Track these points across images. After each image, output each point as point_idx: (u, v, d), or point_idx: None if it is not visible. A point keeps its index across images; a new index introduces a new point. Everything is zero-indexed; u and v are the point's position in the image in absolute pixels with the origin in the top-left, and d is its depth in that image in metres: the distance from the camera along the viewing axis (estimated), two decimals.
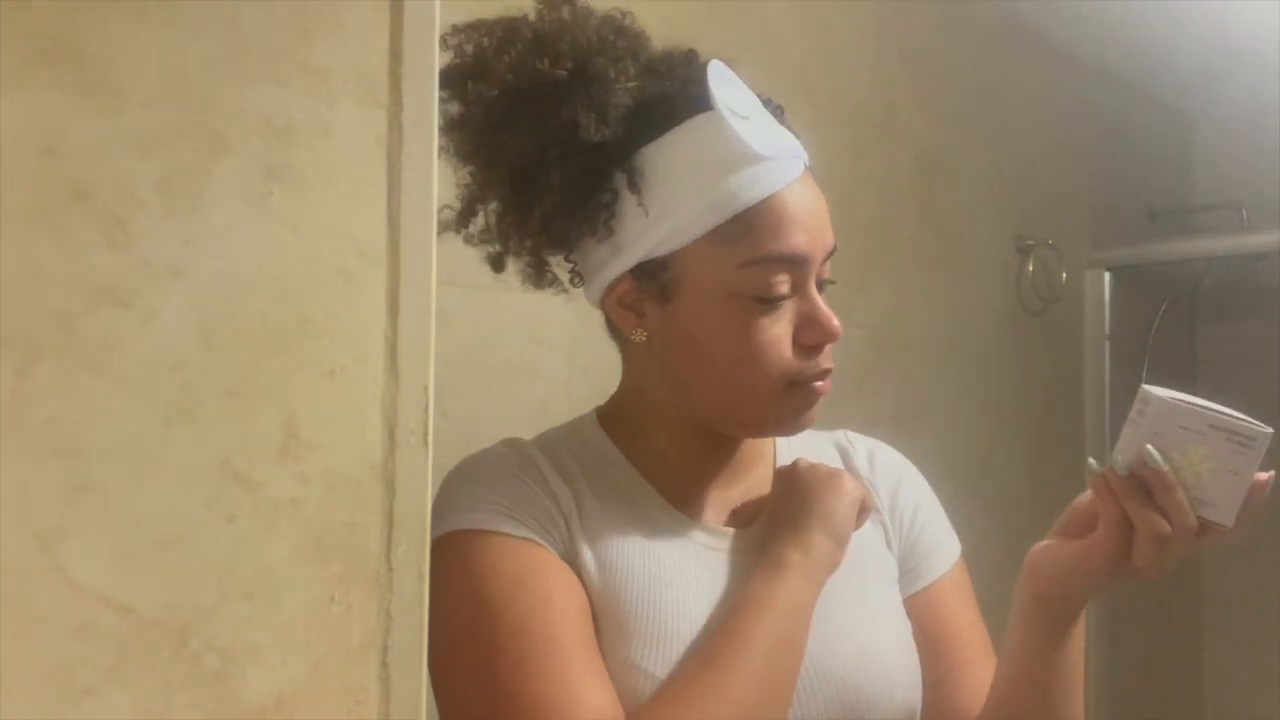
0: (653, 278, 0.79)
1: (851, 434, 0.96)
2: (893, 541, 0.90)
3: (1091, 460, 0.75)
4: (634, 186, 0.77)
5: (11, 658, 0.46)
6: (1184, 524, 0.71)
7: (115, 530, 0.49)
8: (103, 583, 0.48)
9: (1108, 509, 0.73)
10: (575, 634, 0.74)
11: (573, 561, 0.78)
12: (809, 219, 0.78)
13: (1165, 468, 0.71)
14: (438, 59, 0.61)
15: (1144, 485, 0.72)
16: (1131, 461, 0.72)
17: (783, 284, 0.77)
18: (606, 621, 0.77)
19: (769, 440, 0.92)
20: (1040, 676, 0.80)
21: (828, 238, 0.80)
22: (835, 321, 0.79)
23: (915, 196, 2.02)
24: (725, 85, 0.77)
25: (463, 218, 0.84)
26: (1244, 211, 2.63)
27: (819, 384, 0.80)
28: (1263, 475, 0.71)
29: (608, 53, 0.78)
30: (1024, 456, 2.24)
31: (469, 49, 0.79)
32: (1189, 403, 0.72)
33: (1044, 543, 0.80)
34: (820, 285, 0.81)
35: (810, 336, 0.79)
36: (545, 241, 0.82)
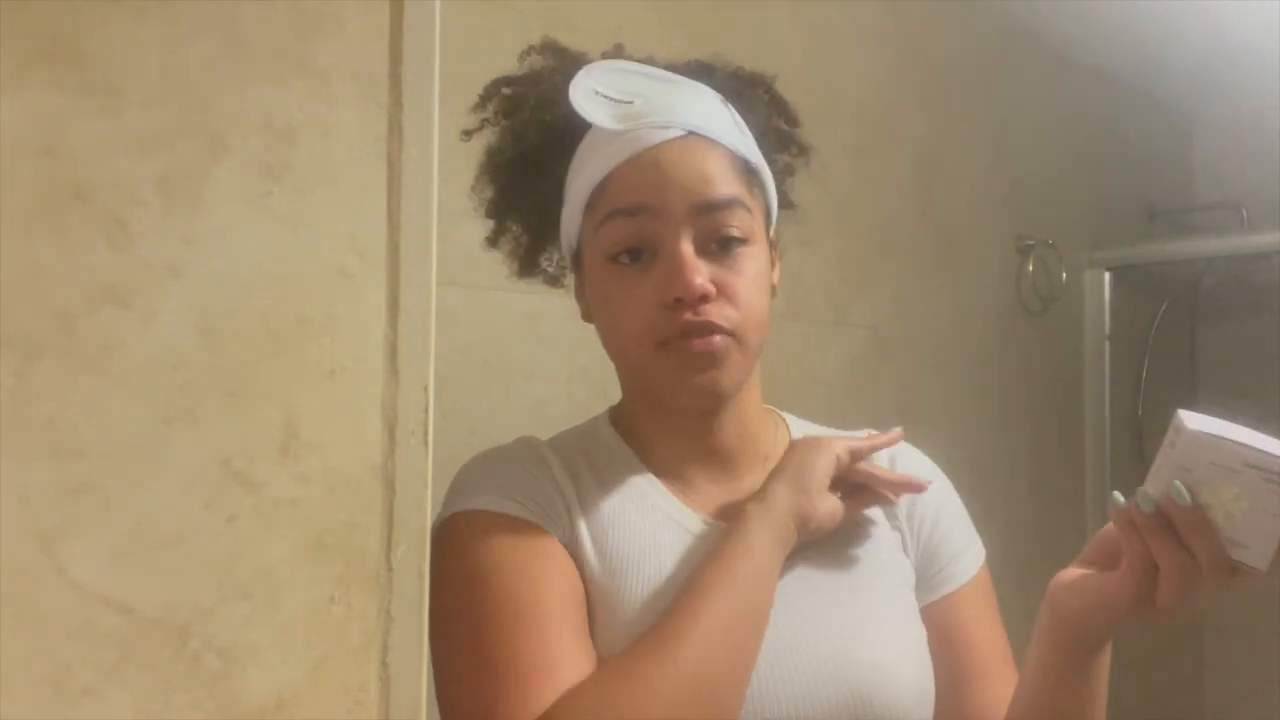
0: (575, 264, 0.88)
1: (872, 431, 0.96)
2: (910, 547, 0.89)
3: (1116, 494, 0.70)
4: (565, 188, 0.85)
5: (11, 658, 0.46)
6: (1214, 566, 0.67)
7: (115, 530, 0.49)
8: (103, 583, 0.48)
9: (1131, 546, 0.70)
10: (563, 608, 0.75)
11: (574, 554, 0.79)
12: (659, 176, 0.78)
13: (1190, 504, 0.66)
14: (438, 59, 0.61)
15: (1170, 523, 0.67)
16: (1158, 497, 0.67)
17: (629, 241, 0.79)
18: (606, 614, 0.77)
19: (781, 434, 0.92)
20: (1059, 703, 0.79)
21: (697, 190, 0.78)
22: (694, 277, 0.76)
23: (915, 196, 2.02)
24: (601, 78, 0.81)
25: (491, 239, 0.92)
26: (1244, 211, 2.63)
27: (693, 342, 0.77)
28: None
29: (550, 81, 0.86)
30: (1024, 456, 2.24)
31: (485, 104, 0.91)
32: (1223, 437, 0.66)
33: (1068, 571, 0.77)
34: (725, 244, 0.79)
35: (668, 292, 0.77)
36: (533, 247, 0.91)
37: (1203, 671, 2.80)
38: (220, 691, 0.51)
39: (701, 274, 0.77)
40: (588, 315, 0.88)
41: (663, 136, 0.79)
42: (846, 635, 0.80)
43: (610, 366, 0.89)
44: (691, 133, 0.80)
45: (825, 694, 0.77)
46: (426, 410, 0.59)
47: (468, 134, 0.89)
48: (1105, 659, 0.79)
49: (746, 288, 0.79)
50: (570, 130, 0.83)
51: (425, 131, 0.59)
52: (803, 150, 0.94)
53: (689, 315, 0.77)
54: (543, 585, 0.75)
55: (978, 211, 2.19)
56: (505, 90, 0.89)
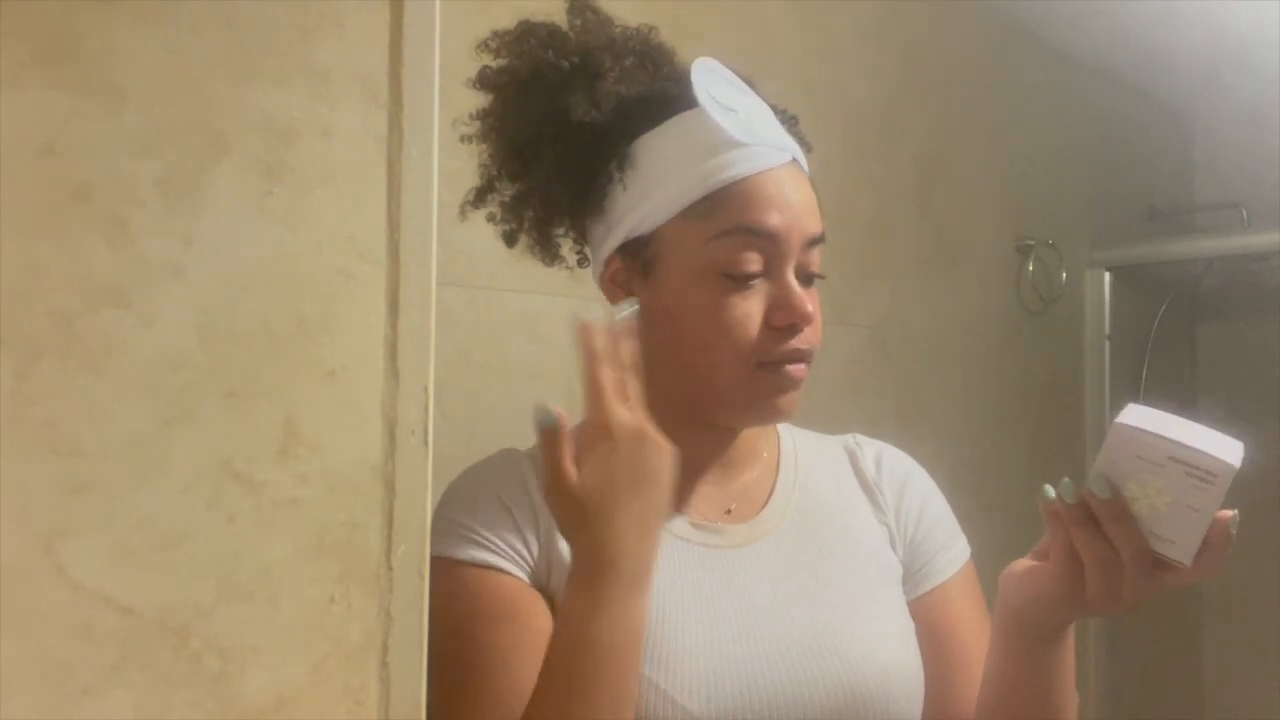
0: (636, 254, 0.83)
1: (860, 437, 0.97)
2: (896, 543, 0.90)
3: (1046, 486, 0.71)
4: (622, 169, 0.82)
5: (11, 658, 0.46)
6: (1135, 558, 0.68)
7: (115, 530, 0.49)
8: (103, 583, 0.48)
9: (1056, 538, 0.72)
10: (514, 675, 0.74)
11: (546, 578, 0.79)
12: (784, 202, 0.80)
13: (1108, 496, 0.67)
14: (438, 59, 0.61)
15: (1092, 514, 0.69)
16: (1081, 489, 0.68)
17: (751, 261, 0.79)
18: None
19: (770, 436, 0.92)
20: (1017, 691, 0.79)
21: (808, 225, 0.81)
22: (807, 305, 0.80)
23: (915, 196, 2.02)
24: (711, 79, 0.81)
25: (480, 195, 0.89)
26: (1244, 211, 2.63)
27: (790, 367, 0.80)
28: (1225, 513, 0.66)
29: (612, 50, 0.84)
30: (1024, 456, 2.24)
31: (503, 50, 0.86)
32: (1148, 431, 0.66)
33: (1017, 563, 0.78)
34: (808, 278, 0.82)
35: (780, 318, 0.80)
36: (544, 215, 0.88)
37: (1203, 671, 2.80)
38: (220, 691, 0.51)
39: (809, 303, 0.80)
40: (657, 316, 0.83)
41: (780, 159, 0.82)
42: (836, 619, 0.81)
43: None
44: (794, 159, 0.83)
45: (815, 676, 0.78)
46: (426, 410, 0.59)
47: (482, 79, 0.85)
48: (1060, 650, 0.78)
49: (819, 315, 0.83)
50: (648, 111, 0.82)
51: (425, 131, 0.59)
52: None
53: (796, 342, 0.80)
54: (497, 654, 0.75)
55: (978, 211, 2.19)
56: (568, 47, 0.84)
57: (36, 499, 0.47)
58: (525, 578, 0.79)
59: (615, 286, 0.85)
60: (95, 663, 0.48)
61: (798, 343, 0.80)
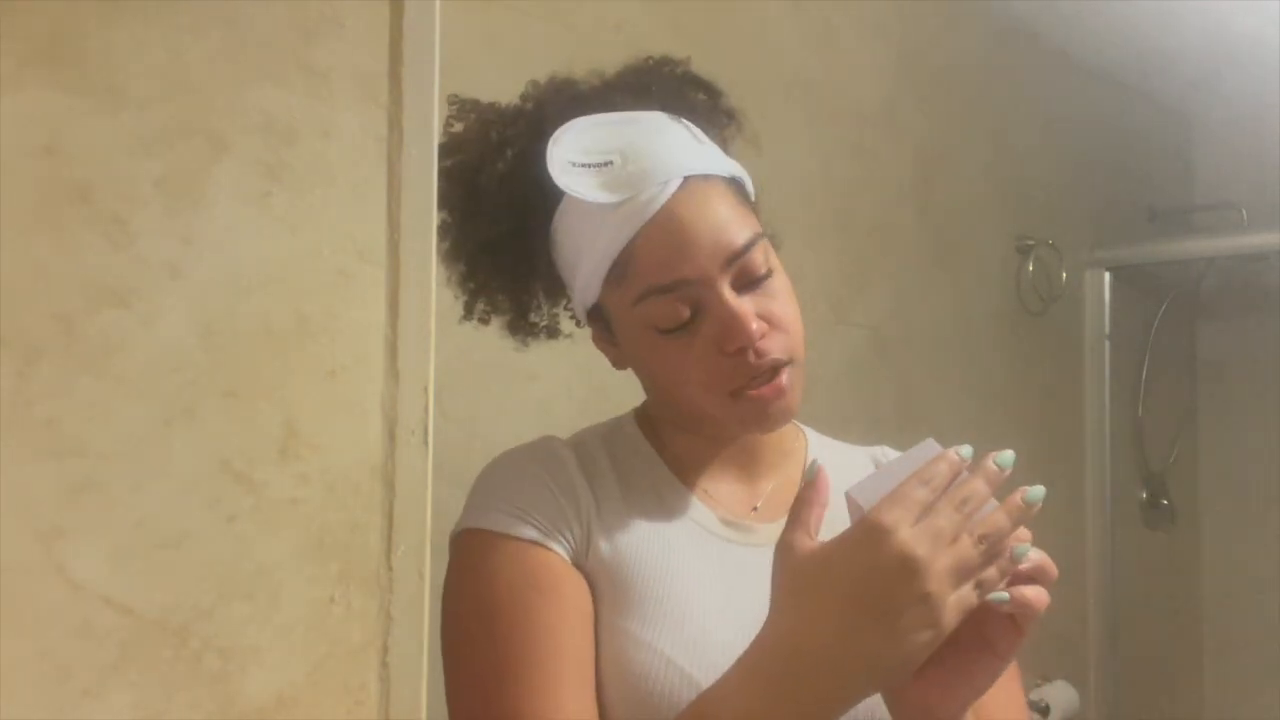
0: (598, 318, 0.86)
1: (889, 450, 0.97)
2: None
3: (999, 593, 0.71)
4: (551, 250, 0.85)
5: (11, 658, 0.46)
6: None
7: (115, 530, 0.49)
8: (103, 583, 0.48)
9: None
10: (559, 650, 0.75)
11: (584, 559, 0.80)
12: (685, 239, 0.78)
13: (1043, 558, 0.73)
14: (438, 59, 0.61)
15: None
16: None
17: (677, 312, 0.78)
18: (617, 603, 0.78)
19: (798, 441, 0.93)
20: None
21: (723, 243, 0.78)
22: (749, 325, 0.77)
23: (915, 196, 2.02)
24: (570, 144, 0.79)
25: (467, 309, 0.91)
26: (1244, 211, 2.63)
27: (757, 392, 0.79)
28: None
29: (495, 149, 0.85)
30: (1024, 456, 2.24)
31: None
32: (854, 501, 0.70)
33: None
34: (755, 283, 0.80)
35: (729, 344, 0.78)
36: (520, 307, 0.91)
37: (1203, 671, 2.80)
38: (220, 691, 0.51)
39: (753, 318, 0.78)
40: (622, 364, 0.88)
41: (667, 194, 0.78)
42: None
43: (608, 366, 0.89)
44: (688, 177, 0.79)
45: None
46: (426, 410, 0.59)
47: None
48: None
49: (785, 309, 0.81)
50: (546, 195, 0.81)
51: (425, 131, 0.59)
52: (733, 117, 0.91)
53: (753, 359, 0.78)
54: (543, 624, 0.76)
55: (978, 211, 2.19)
56: (453, 167, 0.85)
57: (36, 499, 0.47)
58: (569, 558, 0.80)
59: (603, 345, 0.88)
60: (95, 663, 0.48)
61: (757, 361, 0.78)
